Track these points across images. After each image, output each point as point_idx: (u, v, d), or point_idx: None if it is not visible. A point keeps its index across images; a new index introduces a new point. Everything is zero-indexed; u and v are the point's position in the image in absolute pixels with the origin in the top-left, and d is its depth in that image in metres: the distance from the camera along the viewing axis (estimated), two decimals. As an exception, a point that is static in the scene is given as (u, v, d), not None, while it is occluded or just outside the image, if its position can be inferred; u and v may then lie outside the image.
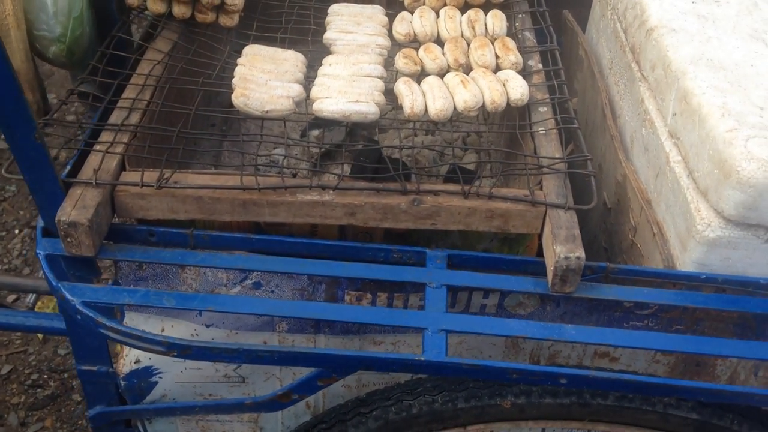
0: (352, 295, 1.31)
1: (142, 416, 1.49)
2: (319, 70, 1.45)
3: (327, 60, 1.48)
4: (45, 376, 2.46)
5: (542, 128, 1.39)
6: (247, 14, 1.63)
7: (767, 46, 1.37)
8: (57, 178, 1.18)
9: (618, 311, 1.30)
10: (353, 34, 1.54)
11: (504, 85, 1.41)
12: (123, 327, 1.14)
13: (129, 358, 1.41)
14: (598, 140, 1.62)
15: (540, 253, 1.27)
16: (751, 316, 1.28)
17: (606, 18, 1.69)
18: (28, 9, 1.39)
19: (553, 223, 1.21)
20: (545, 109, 1.44)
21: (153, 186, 1.22)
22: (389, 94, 1.43)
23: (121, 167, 1.28)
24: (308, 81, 1.45)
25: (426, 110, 1.36)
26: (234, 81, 1.39)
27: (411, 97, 1.36)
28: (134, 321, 1.37)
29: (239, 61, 1.45)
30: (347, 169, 1.53)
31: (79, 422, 2.34)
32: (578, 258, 1.15)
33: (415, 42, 1.57)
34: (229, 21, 1.59)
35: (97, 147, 1.28)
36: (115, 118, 1.35)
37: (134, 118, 1.35)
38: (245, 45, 1.51)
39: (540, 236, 1.28)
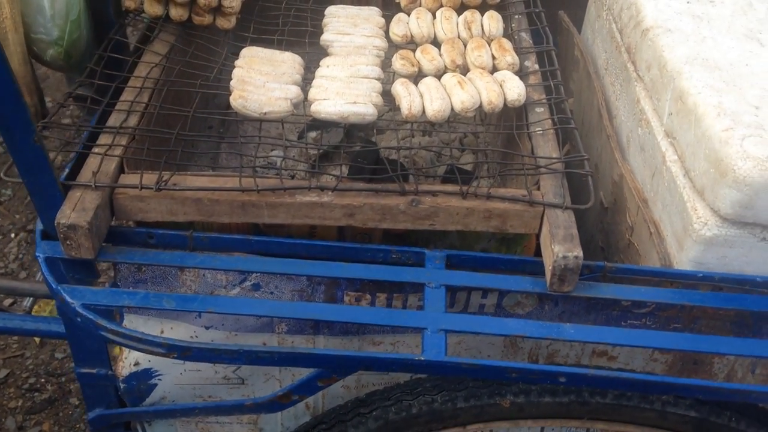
0: (352, 296, 1.32)
1: (141, 419, 1.49)
2: (316, 72, 1.46)
3: (324, 62, 1.48)
4: (42, 380, 2.45)
5: (539, 128, 1.40)
6: (244, 16, 1.64)
7: (762, 46, 1.38)
8: (56, 180, 1.18)
9: (616, 310, 1.31)
10: (350, 36, 1.54)
11: (501, 85, 1.41)
12: (123, 329, 1.14)
13: (128, 361, 1.41)
14: (594, 140, 1.63)
15: (538, 252, 1.28)
16: (748, 314, 1.29)
17: (601, 18, 1.70)
18: (26, 12, 1.39)
19: (551, 222, 1.22)
20: (542, 109, 1.44)
21: (152, 188, 1.23)
22: (386, 95, 1.43)
23: (120, 170, 1.28)
24: (306, 83, 1.45)
25: (423, 111, 1.37)
26: (232, 83, 1.40)
27: (408, 98, 1.37)
28: (133, 323, 1.37)
29: (237, 63, 1.46)
30: (345, 170, 1.54)
31: (77, 426, 2.34)
32: (576, 257, 1.16)
33: (411, 43, 1.57)
34: (226, 23, 1.59)
35: (96, 150, 1.28)
36: (114, 120, 1.35)
37: (132, 120, 1.36)
38: (242, 47, 1.51)
39: (538, 236, 1.28)
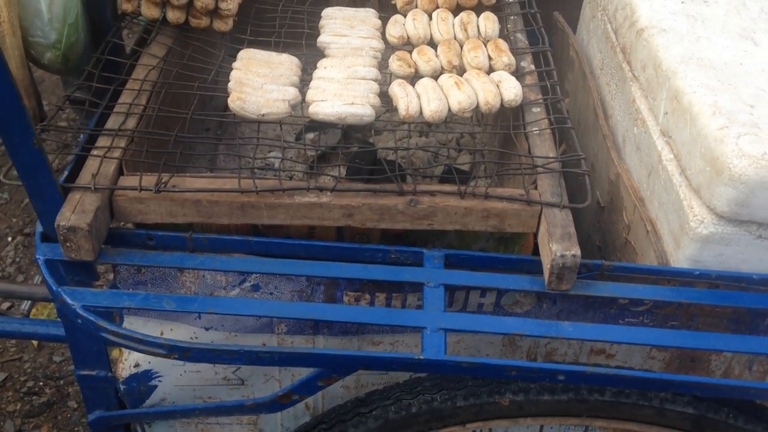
0: (351, 296, 1.32)
1: (141, 420, 1.50)
2: (313, 74, 1.46)
3: (321, 63, 1.49)
4: (41, 384, 2.45)
5: (536, 128, 1.41)
6: (240, 19, 1.64)
7: (756, 45, 1.39)
8: (56, 183, 1.18)
9: (613, 308, 1.32)
10: (347, 38, 1.55)
11: (498, 86, 1.42)
12: (124, 330, 1.14)
13: (128, 362, 1.41)
14: (590, 140, 1.64)
15: (536, 251, 1.29)
16: (745, 311, 1.30)
17: (596, 19, 1.71)
18: (23, 16, 1.40)
19: (548, 221, 1.23)
20: (538, 109, 1.45)
21: (151, 190, 1.23)
22: (383, 96, 1.44)
23: (119, 172, 1.28)
24: (303, 84, 1.46)
25: (421, 112, 1.37)
26: (230, 85, 1.40)
27: (406, 99, 1.38)
28: (133, 325, 1.37)
29: (234, 65, 1.46)
30: (343, 171, 1.54)
31: (76, 429, 2.34)
32: (574, 256, 1.17)
33: (408, 44, 1.58)
34: (223, 25, 1.60)
35: (95, 152, 1.29)
36: (112, 123, 1.35)
37: (131, 122, 1.36)
38: (239, 49, 1.52)
39: (536, 235, 1.29)
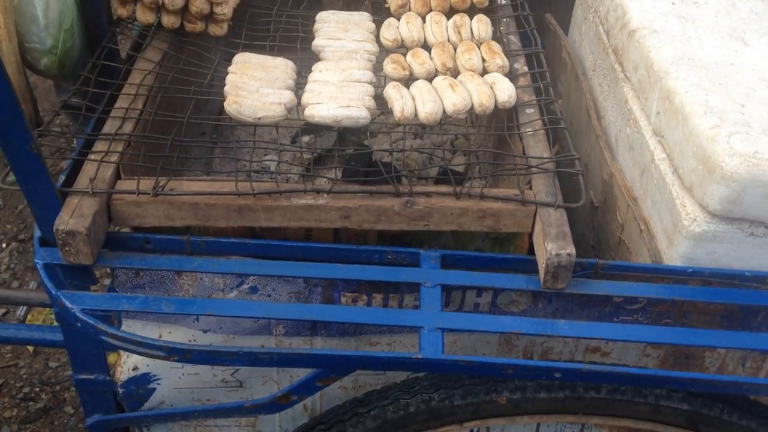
0: (348, 297, 1.33)
1: (140, 423, 1.50)
2: (309, 77, 1.47)
3: (317, 66, 1.50)
4: (37, 389, 2.45)
5: (530, 129, 1.42)
6: (235, 23, 1.65)
7: (746, 45, 1.41)
8: (54, 187, 1.19)
9: (608, 306, 1.33)
10: (341, 41, 1.56)
11: (491, 87, 1.43)
12: (124, 333, 1.15)
13: (127, 366, 1.42)
14: (583, 140, 1.65)
15: (531, 251, 1.30)
16: (738, 308, 1.31)
17: (588, 21, 1.73)
18: (19, 22, 1.40)
19: (543, 221, 1.24)
20: (532, 110, 1.47)
21: (149, 194, 1.24)
22: (378, 98, 1.45)
23: (117, 176, 1.29)
24: (298, 87, 1.47)
25: (416, 114, 1.39)
26: (226, 89, 1.41)
27: (401, 101, 1.39)
28: (131, 328, 1.37)
29: (230, 69, 1.47)
30: (339, 173, 1.55)
31: (72, 434, 2.34)
32: (569, 254, 1.18)
33: (402, 47, 1.59)
34: (218, 30, 1.61)
35: (92, 156, 1.29)
36: (109, 127, 1.36)
37: (128, 127, 1.37)
38: (234, 53, 1.53)
39: (531, 234, 1.30)
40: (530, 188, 1.31)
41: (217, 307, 1.19)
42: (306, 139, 1.80)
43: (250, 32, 1.66)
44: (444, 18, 1.63)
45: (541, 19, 1.84)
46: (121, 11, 1.57)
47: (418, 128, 1.90)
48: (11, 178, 1.21)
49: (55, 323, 1.89)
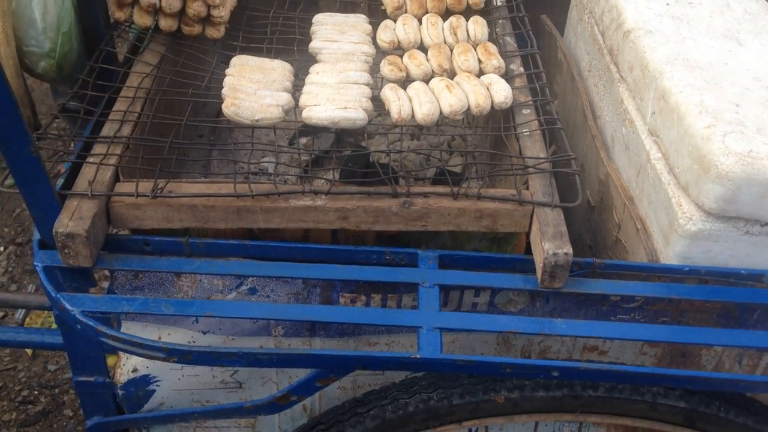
0: (347, 297, 1.34)
1: (140, 425, 1.50)
2: (306, 79, 1.48)
3: (314, 68, 1.51)
4: (35, 392, 2.45)
5: (526, 130, 1.43)
6: (232, 26, 1.66)
7: (740, 45, 1.42)
8: (53, 190, 1.20)
9: (605, 305, 1.34)
10: (338, 43, 1.57)
11: (488, 88, 1.44)
12: (124, 335, 1.15)
13: (126, 368, 1.42)
14: (579, 141, 1.66)
15: (528, 251, 1.31)
16: (734, 306, 1.32)
17: (583, 22, 1.74)
18: (17, 25, 1.41)
19: (540, 221, 1.25)
20: (528, 111, 1.47)
21: (148, 196, 1.24)
22: (375, 100, 1.46)
23: (115, 178, 1.29)
24: (295, 89, 1.47)
25: (413, 115, 1.39)
26: (223, 91, 1.42)
27: (398, 103, 1.39)
28: (131, 330, 1.38)
29: (228, 71, 1.48)
30: (337, 174, 1.56)
31: (71, 437, 2.34)
32: (566, 254, 1.19)
33: (399, 49, 1.60)
34: (216, 33, 1.61)
35: (91, 159, 1.30)
36: (108, 130, 1.37)
37: (126, 130, 1.37)
38: (232, 56, 1.54)
39: (528, 234, 1.31)
40: (527, 188, 1.32)
41: (216, 309, 1.20)
42: (303, 140, 1.81)
43: (247, 35, 1.67)
44: (440, 20, 1.64)
45: (536, 20, 1.85)
46: (119, 14, 1.58)
47: (415, 129, 1.91)
48: (10, 181, 1.22)
49: (54, 326, 1.90)
